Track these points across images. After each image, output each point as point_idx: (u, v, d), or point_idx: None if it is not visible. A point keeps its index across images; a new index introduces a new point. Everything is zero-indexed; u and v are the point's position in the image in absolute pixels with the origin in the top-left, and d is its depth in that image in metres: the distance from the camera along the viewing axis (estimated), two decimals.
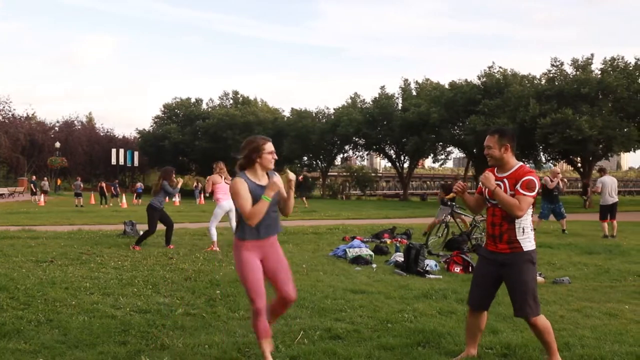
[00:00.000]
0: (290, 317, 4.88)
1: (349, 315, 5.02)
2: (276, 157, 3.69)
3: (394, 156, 46.35)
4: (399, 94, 44.50)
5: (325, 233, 12.54)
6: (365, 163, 63.58)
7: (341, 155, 51.73)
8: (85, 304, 5.32)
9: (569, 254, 9.58)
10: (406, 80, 44.61)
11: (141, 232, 10.73)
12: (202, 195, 33.30)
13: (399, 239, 11.09)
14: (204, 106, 59.66)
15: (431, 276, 7.31)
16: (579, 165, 34.40)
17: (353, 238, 10.84)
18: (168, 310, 5.15)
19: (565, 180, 23.70)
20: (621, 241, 11.60)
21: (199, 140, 53.27)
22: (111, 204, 27.42)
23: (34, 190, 32.29)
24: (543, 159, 36.58)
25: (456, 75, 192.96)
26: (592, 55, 31.99)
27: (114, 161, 54.24)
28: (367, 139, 44.28)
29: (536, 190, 3.56)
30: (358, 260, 8.31)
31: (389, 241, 10.95)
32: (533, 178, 3.56)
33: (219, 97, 61.31)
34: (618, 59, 31.06)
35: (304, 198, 27.51)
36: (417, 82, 44.11)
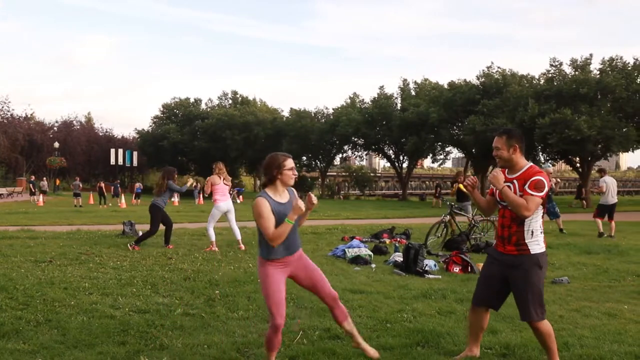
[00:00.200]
0: (289, 317, 4.88)
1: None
2: (296, 173, 3.70)
3: (392, 156, 46.37)
4: (397, 94, 44.55)
5: (324, 233, 12.54)
6: (364, 163, 63.62)
7: (340, 155, 51.79)
8: (84, 304, 5.31)
9: (567, 254, 9.59)
10: (405, 80, 44.67)
11: (140, 232, 10.72)
12: (201, 195, 33.27)
13: (398, 239, 11.09)
14: (203, 106, 59.70)
15: (430, 276, 7.31)
16: (578, 165, 34.44)
17: (352, 238, 10.84)
18: (167, 310, 5.15)
19: (559, 180, 23.71)
20: (620, 241, 11.61)
21: (198, 140, 53.28)
22: (110, 204, 27.39)
23: (33, 190, 32.26)
24: (542, 159, 36.61)
25: (455, 75, 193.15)
26: (591, 55, 32.03)
27: (112, 161, 54.22)
28: (366, 139, 44.30)
29: (545, 191, 3.52)
30: (357, 260, 8.31)
31: (388, 241, 10.95)
32: (542, 178, 3.52)
33: (218, 97, 61.48)
34: (617, 59, 31.11)
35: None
36: (416, 82, 44.16)
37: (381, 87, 44.70)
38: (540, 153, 36.08)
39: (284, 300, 3.59)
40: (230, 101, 59.74)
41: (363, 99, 46.66)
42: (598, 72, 31.10)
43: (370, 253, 8.72)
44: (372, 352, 3.80)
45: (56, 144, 49.48)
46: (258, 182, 58.59)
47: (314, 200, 3.64)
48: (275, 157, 3.60)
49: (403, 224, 15.62)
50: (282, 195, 3.61)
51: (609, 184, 12.83)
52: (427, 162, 60.32)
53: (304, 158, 52.50)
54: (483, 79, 37.05)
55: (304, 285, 3.76)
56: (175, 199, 30.13)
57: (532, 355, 3.97)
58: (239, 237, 9.79)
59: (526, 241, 3.57)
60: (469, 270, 7.65)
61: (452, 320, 4.92)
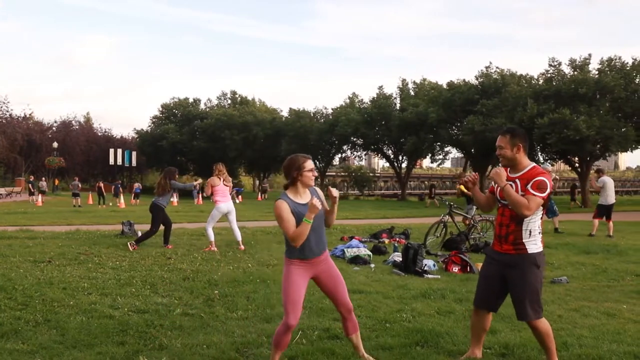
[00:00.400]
0: None
1: None
2: (316, 174, 3.71)
3: (392, 156, 46.36)
4: (396, 94, 44.54)
5: None
6: (363, 163, 63.62)
7: (339, 155, 51.76)
8: (83, 304, 5.31)
9: (566, 253, 9.60)
10: (404, 80, 44.65)
11: (139, 233, 10.72)
12: (200, 195, 33.27)
13: (397, 239, 11.09)
14: (202, 106, 59.72)
15: (429, 276, 7.32)
16: (577, 165, 34.46)
17: (351, 238, 10.85)
18: (166, 310, 5.15)
19: (557, 177, 23.64)
20: (619, 241, 11.63)
21: (197, 140, 53.28)
22: (111, 204, 27.37)
23: (32, 190, 32.22)
24: (541, 159, 36.63)
25: (454, 75, 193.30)
26: (590, 55, 32.02)
27: (111, 161, 54.20)
28: (365, 139, 44.29)
29: (547, 192, 3.51)
30: (356, 260, 8.32)
31: (387, 241, 10.96)
32: (545, 179, 3.50)
33: (217, 97, 61.49)
34: (615, 59, 31.11)
35: None
36: (415, 82, 44.15)
37: (380, 87, 44.72)
38: (539, 153, 36.07)
39: (301, 302, 3.59)
40: (229, 101, 59.76)
41: (362, 99, 46.67)
42: (597, 72, 31.10)
43: (369, 253, 8.72)
44: None
45: (55, 144, 49.45)
46: (257, 182, 58.59)
47: (335, 193, 3.63)
48: (295, 159, 3.61)
49: (402, 223, 15.62)
50: (303, 196, 3.61)
51: (608, 183, 12.89)
52: (426, 162, 60.34)
53: None
54: (482, 79, 37.06)
55: (324, 289, 3.76)
56: (175, 199, 30.12)
57: (531, 355, 3.97)
58: (239, 237, 9.78)
59: (524, 240, 3.57)
60: (468, 270, 7.65)
61: (451, 320, 4.92)
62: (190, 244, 10.31)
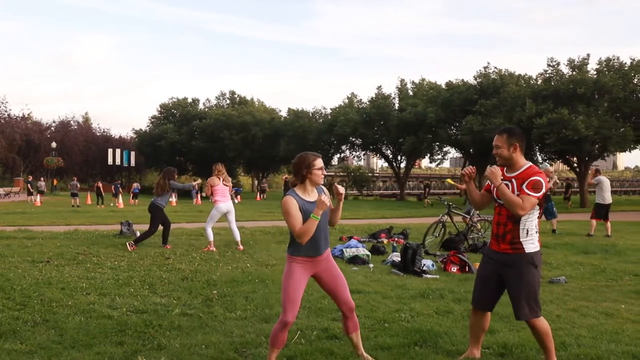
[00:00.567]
0: None
1: None
2: (325, 172, 3.73)
3: (390, 156, 46.36)
4: (395, 94, 44.55)
5: None
6: (362, 163, 63.58)
7: (338, 155, 51.74)
8: (82, 304, 5.31)
9: (565, 253, 9.61)
10: (402, 80, 44.66)
11: (138, 233, 10.71)
12: (198, 195, 33.27)
13: (396, 239, 11.09)
14: (201, 106, 59.68)
15: (428, 276, 7.32)
16: (575, 165, 34.50)
17: (350, 238, 10.85)
18: (165, 310, 5.14)
19: (558, 181, 23.64)
20: (617, 241, 11.65)
21: (195, 140, 53.25)
22: (112, 204, 27.35)
23: (31, 190, 32.18)
24: (539, 159, 36.66)
25: (453, 75, 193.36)
26: (588, 55, 32.06)
27: (110, 161, 54.15)
28: (364, 139, 44.29)
29: (542, 192, 3.51)
30: (355, 260, 8.32)
31: (385, 241, 10.96)
32: (540, 179, 3.51)
33: (216, 97, 61.43)
34: (613, 59, 31.15)
35: None
36: (413, 82, 44.16)
37: (379, 87, 44.69)
38: (538, 153, 36.13)
39: (299, 300, 3.59)
40: (228, 101, 59.73)
41: (361, 99, 46.64)
42: (595, 72, 31.15)
43: (368, 253, 8.72)
44: None
45: (53, 144, 49.38)
46: (256, 182, 58.57)
47: (341, 190, 3.66)
48: (305, 157, 3.64)
49: (401, 223, 15.63)
50: (312, 194, 3.63)
51: (604, 182, 12.94)
52: (425, 162, 60.32)
53: None
54: (480, 79, 37.08)
55: (325, 287, 3.77)
56: (173, 199, 30.11)
57: (529, 354, 3.98)
58: (238, 238, 9.78)
59: (521, 240, 3.57)
60: (467, 270, 7.65)
61: (450, 320, 4.93)
62: (189, 244, 10.31)
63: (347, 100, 46.92)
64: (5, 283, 6.20)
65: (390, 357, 3.92)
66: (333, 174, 57.74)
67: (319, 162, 3.62)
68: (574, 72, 31.46)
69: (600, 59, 31.54)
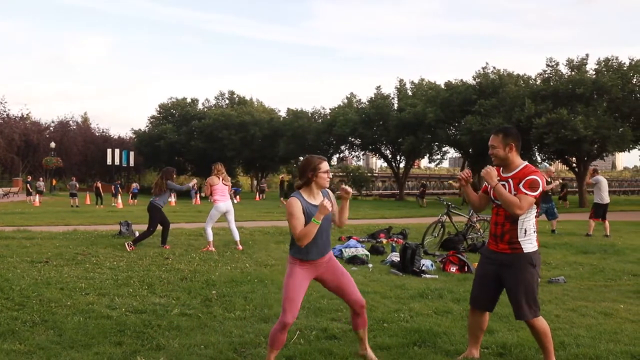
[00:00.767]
0: None
1: (345, 315, 5.01)
2: (331, 176, 3.76)
3: (390, 156, 46.36)
4: (394, 94, 44.56)
5: None
6: (361, 163, 63.60)
7: (337, 156, 51.74)
8: (81, 305, 5.30)
9: (564, 253, 9.62)
10: (402, 80, 44.67)
11: (137, 233, 10.70)
12: (198, 195, 33.24)
13: (395, 239, 11.10)
14: (200, 106, 59.67)
15: (427, 276, 7.32)
16: (574, 165, 34.53)
17: (349, 238, 10.85)
18: (164, 310, 5.14)
19: (560, 180, 23.66)
20: (616, 240, 11.66)
21: (194, 140, 53.22)
22: (112, 204, 27.34)
23: (30, 190, 32.16)
24: (538, 159, 36.70)
25: (452, 75, 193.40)
26: (587, 55, 32.09)
27: (109, 161, 54.13)
28: (363, 139, 44.29)
29: (539, 191, 3.51)
30: (354, 260, 8.32)
31: (385, 241, 10.96)
32: (537, 178, 3.51)
33: (215, 97, 61.47)
34: (612, 60, 31.19)
35: (282, 198, 29.28)
36: (412, 82, 44.17)
37: (378, 87, 44.70)
38: (537, 153, 36.16)
39: (299, 302, 3.59)
40: (227, 101, 59.74)
41: (360, 99, 46.65)
42: (594, 73, 31.18)
43: (367, 253, 8.72)
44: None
45: (52, 144, 49.34)
46: (255, 182, 58.58)
47: (349, 190, 3.69)
48: (311, 160, 3.65)
49: (400, 223, 15.63)
50: (317, 197, 3.65)
51: (602, 182, 13.00)
52: (424, 162, 60.34)
53: (301, 158, 52.36)
54: (479, 79, 37.09)
55: (332, 288, 3.77)
56: (172, 199, 30.09)
57: (528, 354, 3.98)
58: (237, 237, 9.78)
59: (519, 240, 3.57)
60: (466, 270, 7.66)
61: (449, 319, 4.93)
62: (188, 244, 10.30)
63: (346, 100, 46.92)
64: (4, 283, 6.19)
65: (389, 357, 3.92)
66: (332, 174, 57.71)
67: (325, 165, 3.63)
68: (573, 72, 31.49)
69: (599, 59, 31.60)
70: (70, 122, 62.08)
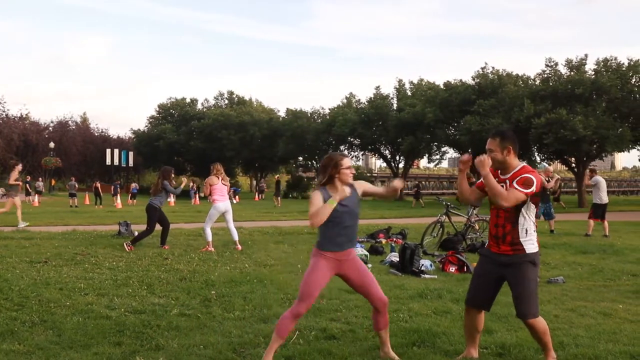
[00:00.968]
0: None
1: (344, 316, 5.02)
2: (354, 171, 3.85)
3: (389, 156, 46.39)
4: (393, 94, 44.59)
5: None
6: (360, 163, 63.66)
7: None
8: (80, 305, 5.30)
9: (563, 253, 9.62)
10: (401, 80, 44.73)
11: (136, 233, 10.69)
12: (197, 196, 33.24)
13: (394, 239, 11.10)
14: (199, 106, 59.68)
15: (426, 276, 7.33)
16: (573, 165, 34.56)
17: None
18: (163, 310, 5.14)
19: (559, 178, 23.54)
20: (615, 241, 11.66)
21: (194, 140, 53.23)
22: (113, 204, 27.32)
23: (29, 190, 32.14)
24: (537, 159, 36.75)
25: (451, 75, 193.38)
26: (586, 55, 32.15)
27: (108, 161, 54.08)
28: (362, 139, 44.32)
29: (531, 189, 3.50)
30: None
31: (384, 241, 10.96)
32: (532, 176, 3.50)
33: (214, 97, 61.49)
34: (611, 60, 31.23)
35: (278, 197, 29.47)
36: (412, 82, 44.20)
37: (377, 87, 44.74)
38: (536, 153, 36.21)
39: (317, 295, 3.67)
40: (226, 101, 59.75)
41: (359, 99, 46.72)
42: (593, 73, 31.22)
43: (367, 253, 8.73)
44: None
45: (51, 144, 49.29)
46: (254, 182, 58.56)
47: (399, 184, 3.78)
48: (333, 157, 3.74)
49: (399, 223, 15.63)
50: (335, 195, 3.69)
51: (601, 182, 13.04)
52: (423, 162, 60.40)
53: (300, 158, 52.52)
54: (479, 79, 37.14)
55: (355, 285, 3.82)
56: (172, 199, 30.08)
57: (527, 354, 3.98)
58: (236, 237, 9.78)
59: (521, 240, 3.57)
60: (465, 270, 7.66)
61: (448, 320, 4.93)
62: (187, 244, 10.30)
63: (345, 101, 46.95)
64: (3, 283, 6.19)
65: None
66: None
67: (347, 162, 3.71)
68: (572, 73, 31.53)
69: (598, 59, 31.65)
70: (70, 122, 62.14)
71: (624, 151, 34.30)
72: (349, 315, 5.04)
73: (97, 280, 6.57)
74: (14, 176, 14.49)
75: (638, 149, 35.25)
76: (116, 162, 54.54)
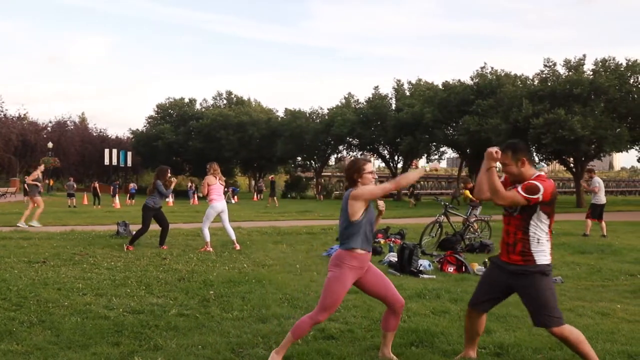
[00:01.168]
0: (283, 317, 4.89)
1: (342, 316, 5.02)
2: (376, 176, 3.91)
3: (387, 156, 46.43)
4: (392, 94, 44.62)
5: (319, 233, 12.55)
6: None
7: (335, 156, 51.80)
8: (78, 305, 5.30)
9: (561, 253, 9.63)
10: (399, 80, 44.80)
11: (134, 233, 10.67)
12: (195, 196, 33.22)
13: (393, 239, 11.10)
14: (198, 106, 59.69)
15: (425, 276, 7.33)
16: (572, 165, 34.60)
17: None
18: (161, 310, 5.14)
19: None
20: (613, 241, 11.68)
21: (192, 140, 53.23)
22: (112, 204, 27.29)
23: (27, 190, 32.07)
24: (536, 159, 36.77)
25: (450, 75, 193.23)
26: (584, 55, 32.18)
27: (107, 161, 54.06)
28: (360, 139, 44.35)
29: (534, 196, 3.39)
30: None
31: (382, 241, 10.96)
32: (537, 184, 3.41)
33: (213, 98, 61.51)
34: (609, 60, 31.27)
35: (274, 198, 29.40)
36: (410, 83, 44.26)
37: (376, 88, 44.78)
38: (535, 153, 36.23)
39: (338, 305, 3.75)
40: (224, 101, 59.75)
41: (358, 99, 46.76)
42: (591, 73, 31.26)
43: None
44: None
45: (50, 144, 49.24)
46: (253, 183, 58.58)
47: (382, 206, 3.95)
48: (356, 161, 3.84)
49: (398, 224, 15.63)
50: None
51: (601, 183, 13.07)
52: (422, 162, 60.46)
53: (299, 158, 52.54)
54: (477, 80, 37.19)
55: (373, 289, 3.84)
56: (170, 199, 30.07)
57: (525, 354, 3.99)
58: (233, 237, 9.79)
59: (532, 249, 3.49)
60: (463, 270, 7.67)
61: (446, 320, 4.94)
62: (185, 244, 10.29)
63: (344, 101, 47.00)
64: (1, 284, 6.18)
65: None
66: (330, 174, 57.84)
67: (369, 167, 3.79)
68: (570, 73, 31.57)
69: (596, 59, 31.70)
70: (68, 122, 62.07)
71: (622, 151, 34.35)
72: (348, 315, 5.04)
73: (95, 281, 6.56)
74: (33, 176, 14.67)
75: (636, 149, 35.33)
76: (114, 162, 54.51)
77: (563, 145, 29.59)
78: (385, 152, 46.37)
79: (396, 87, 44.57)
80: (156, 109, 59.69)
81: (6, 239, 10.67)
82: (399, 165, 46.28)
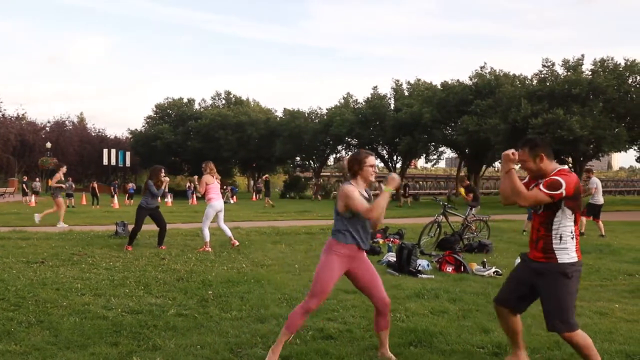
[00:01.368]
0: (282, 317, 4.89)
1: (341, 315, 5.03)
2: (377, 170, 3.90)
3: (386, 156, 46.43)
4: (391, 94, 44.63)
5: (318, 233, 12.55)
6: None
7: (334, 156, 51.79)
8: (77, 305, 5.29)
9: None
10: (398, 81, 44.81)
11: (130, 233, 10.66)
12: (194, 196, 33.19)
13: (392, 239, 11.10)
14: (197, 106, 59.67)
15: (423, 276, 7.33)
16: (570, 165, 34.62)
17: None
18: (160, 310, 5.14)
19: None
20: (611, 240, 11.70)
21: (191, 140, 53.22)
22: (111, 204, 27.26)
23: (26, 190, 32.07)
24: None
25: (448, 75, 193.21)
26: (583, 56, 32.22)
27: (105, 161, 54.00)
28: (359, 139, 44.34)
29: (558, 192, 3.30)
30: None
31: (381, 241, 10.96)
32: (559, 179, 3.32)
33: (212, 97, 61.50)
34: (608, 60, 31.31)
35: (268, 199, 29.33)
36: (409, 83, 44.26)
37: (375, 88, 44.81)
38: None
39: (329, 291, 3.73)
40: (223, 101, 59.74)
41: (357, 100, 46.76)
42: (590, 73, 31.30)
43: None
44: None
45: (48, 144, 49.20)
46: (252, 182, 58.57)
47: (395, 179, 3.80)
48: (358, 154, 3.85)
49: (396, 224, 15.63)
50: (363, 191, 3.80)
51: (599, 184, 13.09)
52: (421, 162, 60.53)
53: (298, 158, 52.56)
54: (476, 80, 37.21)
55: (360, 284, 3.85)
56: (169, 199, 30.05)
57: None
58: (229, 234, 9.84)
59: (554, 247, 3.39)
60: (462, 270, 7.67)
61: (445, 319, 4.94)
62: (184, 244, 10.29)
63: (342, 101, 47.01)
64: (0, 284, 6.17)
65: None
66: (329, 174, 57.83)
67: (371, 160, 3.79)
68: (569, 73, 31.60)
69: (594, 59, 31.73)
70: (67, 122, 62.06)
71: (620, 151, 34.42)
72: (346, 315, 5.04)
73: (94, 281, 6.56)
74: (57, 177, 14.75)
75: (635, 149, 35.39)
76: (113, 162, 54.45)
77: (562, 145, 29.61)
78: (384, 152, 46.38)
79: (395, 87, 44.60)
80: (155, 109, 59.67)
81: (4, 239, 10.66)
82: (398, 165, 46.28)
